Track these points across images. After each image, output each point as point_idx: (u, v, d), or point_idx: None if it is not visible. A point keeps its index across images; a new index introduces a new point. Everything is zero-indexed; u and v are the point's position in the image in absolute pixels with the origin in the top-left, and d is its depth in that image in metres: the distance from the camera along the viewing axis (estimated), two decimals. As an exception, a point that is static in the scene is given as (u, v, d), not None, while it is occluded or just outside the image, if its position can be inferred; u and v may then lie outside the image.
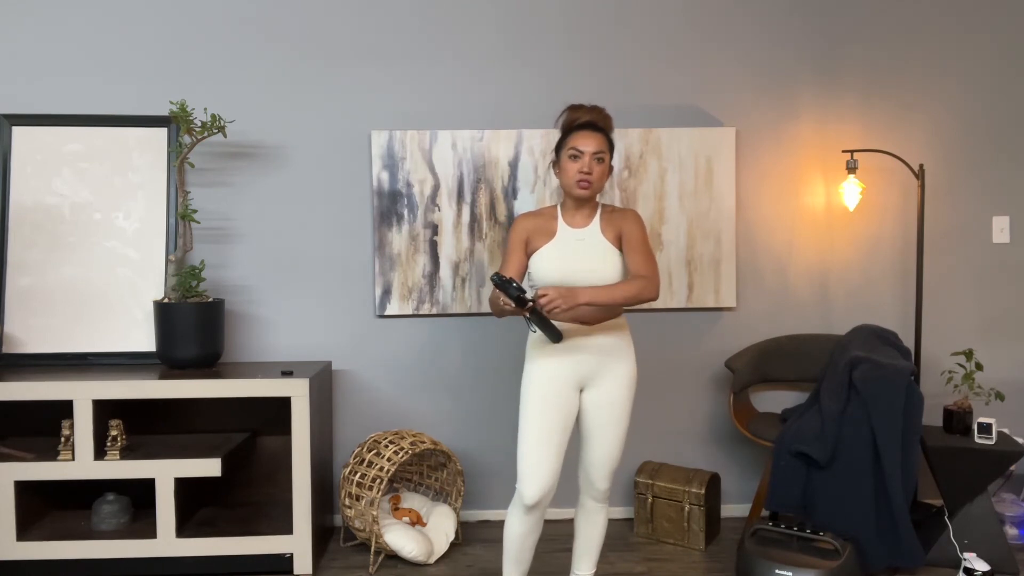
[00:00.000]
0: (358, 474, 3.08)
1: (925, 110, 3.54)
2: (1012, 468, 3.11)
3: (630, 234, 2.42)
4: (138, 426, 3.27)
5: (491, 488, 3.53)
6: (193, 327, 3.05)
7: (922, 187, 3.37)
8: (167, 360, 3.09)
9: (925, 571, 2.98)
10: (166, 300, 3.08)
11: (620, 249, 2.44)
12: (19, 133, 3.30)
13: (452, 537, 3.20)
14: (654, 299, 2.37)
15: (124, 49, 3.35)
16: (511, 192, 3.43)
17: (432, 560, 3.11)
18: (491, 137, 3.41)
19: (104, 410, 2.95)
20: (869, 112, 3.53)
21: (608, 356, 2.44)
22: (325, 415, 3.29)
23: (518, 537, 2.45)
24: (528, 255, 2.48)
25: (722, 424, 3.58)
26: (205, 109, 3.35)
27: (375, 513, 2.99)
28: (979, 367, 3.14)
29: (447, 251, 3.43)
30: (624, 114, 3.45)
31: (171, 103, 3.17)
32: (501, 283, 2.15)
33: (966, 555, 2.85)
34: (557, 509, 3.47)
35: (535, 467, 2.37)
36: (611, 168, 2.46)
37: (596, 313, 2.40)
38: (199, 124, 3.10)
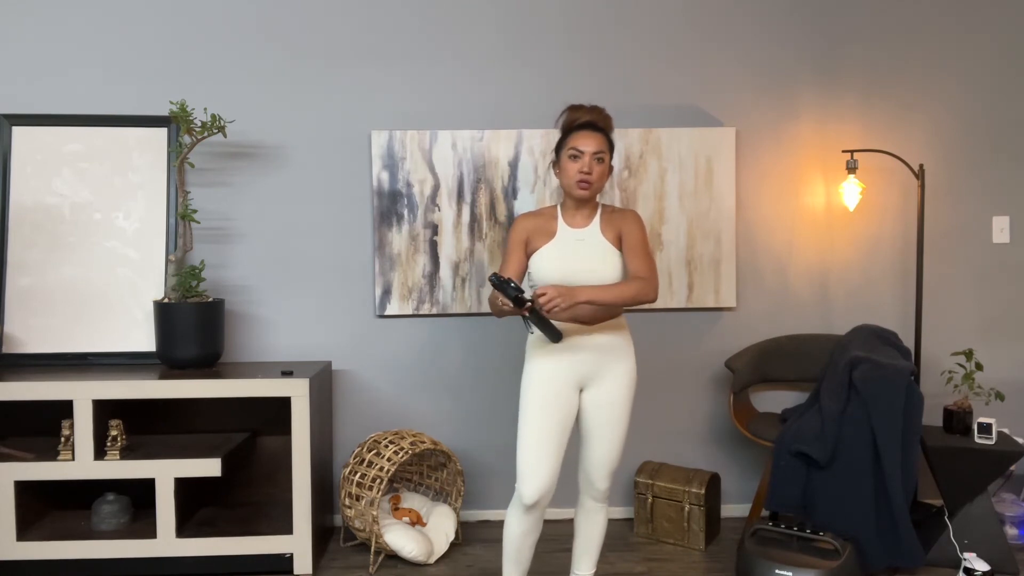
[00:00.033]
0: (358, 474, 3.08)
1: (925, 110, 3.54)
2: (1012, 468, 3.11)
3: (630, 235, 2.42)
4: (138, 426, 3.27)
5: (491, 488, 3.53)
6: (193, 327, 3.05)
7: (922, 187, 3.37)
8: (167, 360, 3.09)
9: (925, 571, 2.98)
10: (166, 300, 3.08)
11: (620, 249, 2.44)
12: (19, 133, 3.30)
13: (452, 537, 3.20)
14: (652, 301, 2.37)
15: (124, 49, 3.35)
16: (511, 192, 3.43)
17: (432, 560, 3.11)
18: (491, 137, 3.41)
19: (104, 410, 2.95)
20: (869, 112, 3.53)
21: (608, 356, 2.44)
22: (325, 415, 3.29)
23: (517, 537, 2.45)
24: (528, 255, 2.48)
25: (722, 424, 3.58)
26: (205, 109, 3.35)
27: (375, 513, 2.99)
28: (979, 367, 3.14)
29: (447, 251, 3.43)
30: (624, 114, 3.45)
31: (171, 103, 3.17)
32: (499, 283, 2.15)
33: (966, 555, 2.85)
34: (557, 509, 3.47)
35: (534, 467, 2.37)
36: (611, 168, 2.46)
37: (595, 313, 2.40)
38: (199, 124, 3.10)
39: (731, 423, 3.56)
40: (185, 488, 3.02)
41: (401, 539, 3.05)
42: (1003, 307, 3.59)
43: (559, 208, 2.50)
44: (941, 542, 2.99)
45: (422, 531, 3.17)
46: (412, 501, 3.36)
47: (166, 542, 2.92)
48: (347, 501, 3.11)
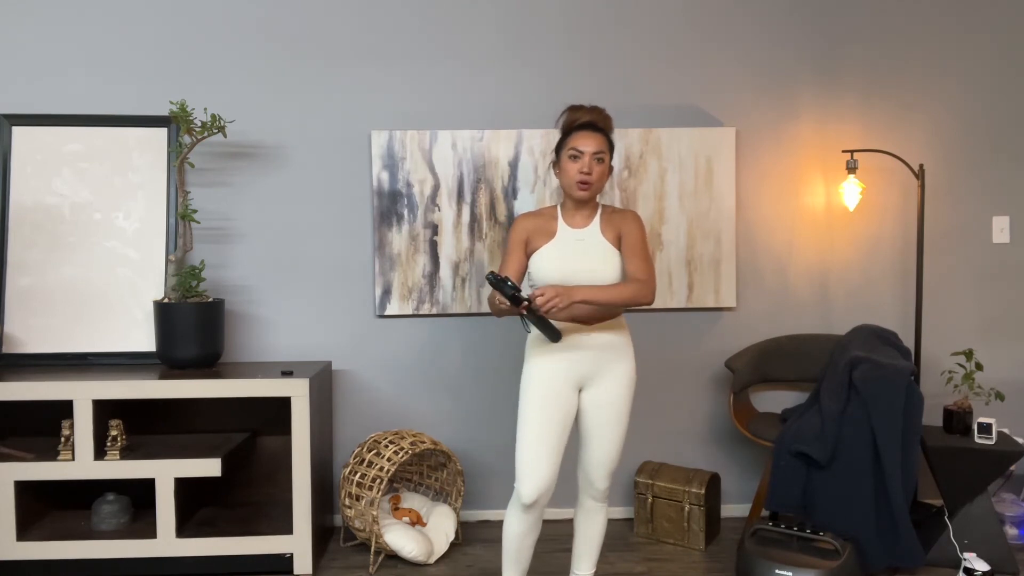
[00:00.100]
0: (358, 474, 3.08)
1: (925, 110, 3.54)
2: (1012, 468, 3.11)
3: (629, 236, 2.42)
4: (138, 426, 3.27)
5: (491, 488, 3.53)
6: (193, 327, 3.05)
7: (922, 187, 3.37)
8: (167, 360, 3.09)
9: (925, 571, 2.98)
10: (166, 300, 3.08)
11: (620, 250, 2.44)
12: (19, 133, 3.30)
13: (452, 537, 3.20)
14: (649, 303, 2.37)
15: (124, 49, 3.35)
16: (511, 192, 3.43)
17: (432, 560, 3.11)
18: (491, 137, 3.41)
19: (104, 410, 2.95)
20: (869, 112, 3.53)
21: (607, 355, 2.44)
22: (325, 415, 3.29)
23: (517, 536, 2.45)
24: (528, 255, 2.48)
25: (722, 424, 3.58)
26: (205, 109, 3.35)
27: (375, 513, 2.99)
28: (979, 367, 3.14)
29: (447, 251, 3.43)
30: (624, 114, 3.45)
31: (171, 103, 3.17)
32: (496, 282, 2.16)
33: (966, 555, 2.85)
34: (557, 509, 3.47)
35: (533, 466, 2.37)
36: (611, 168, 2.46)
37: (593, 313, 2.40)
38: (199, 124, 3.10)
39: (731, 423, 3.56)
40: (185, 488, 3.02)
41: (401, 539, 3.05)
42: (1003, 307, 3.59)
43: (559, 208, 2.50)
44: (941, 542, 2.99)
45: (422, 531, 3.17)
46: (412, 501, 3.36)
47: (166, 542, 2.92)
48: (347, 501, 3.11)
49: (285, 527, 3.02)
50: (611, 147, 2.44)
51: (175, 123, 3.21)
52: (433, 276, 3.43)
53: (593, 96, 3.41)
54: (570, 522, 3.36)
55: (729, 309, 3.55)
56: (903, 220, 3.56)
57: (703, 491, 3.20)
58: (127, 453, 2.98)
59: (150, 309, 3.28)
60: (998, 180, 3.56)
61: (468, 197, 3.42)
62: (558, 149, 2.47)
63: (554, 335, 2.31)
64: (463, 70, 3.44)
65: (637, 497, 3.37)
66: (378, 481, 3.01)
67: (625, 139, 3.43)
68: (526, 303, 2.18)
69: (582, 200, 2.43)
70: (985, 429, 3.00)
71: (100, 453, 2.92)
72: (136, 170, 3.34)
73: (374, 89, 3.42)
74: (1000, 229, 3.56)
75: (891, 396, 2.86)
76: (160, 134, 3.35)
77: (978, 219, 3.57)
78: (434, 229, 3.42)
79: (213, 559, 2.94)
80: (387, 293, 3.43)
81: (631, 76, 3.47)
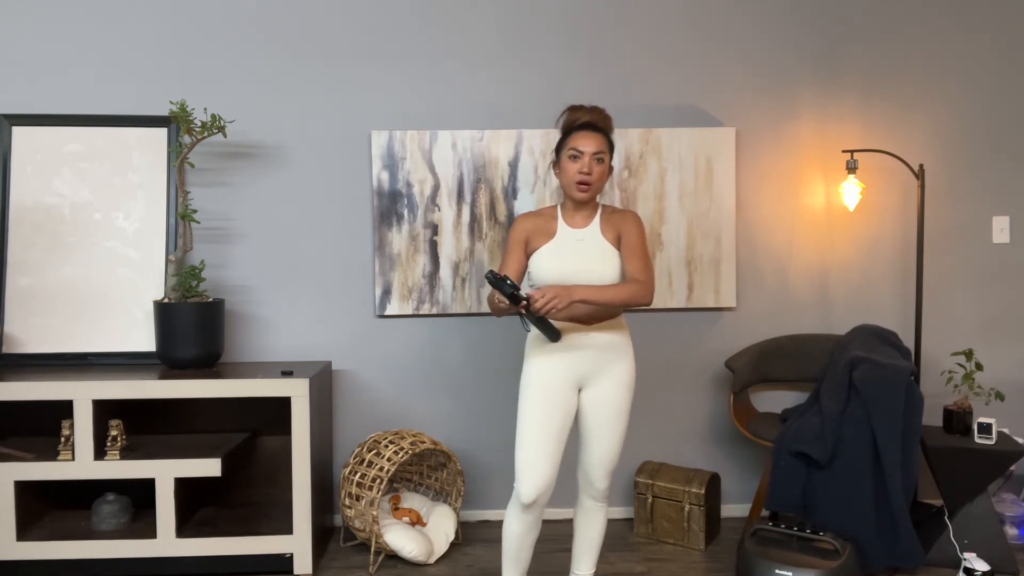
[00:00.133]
0: (358, 474, 3.08)
1: (925, 110, 3.54)
2: (1012, 468, 3.11)
3: (629, 236, 2.42)
4: (138, 426, 3.27)
5: (491, 488, 3.53)
6: (193, 327, 3.05)
7: (922, 187, 3.37)
8: (167, 360, 3.09)
9: (925, 571, 2.98)
10: (166, 300, 3.08)
11: (620, 250, 2.44)
12: (19, 133, 3.30)
13: (452, 537, 3.20)
14: (648, 304, 2.37)
15: (124, 49, 3.35)
16: (511, 192, 3.43)
17: (432, 560, 3.11)
18: (491, 137, 3.41)
19: (104, 410, 2.95)
20: (869, 112, 3.53)
21: (606, 355, 2.44)
22: (325, 415, 3.29)
23: (516, 536, 2.45)
24: (528, 255, 2.48)
25: (722, 424, 3.58)
26: (205, 109, 3.35)
27: (375, 513, 2.99)
28: (979, 367, 3.14)
29: (447, 251, 3.43)
30: (624, 114, 3.45)
31: (171, 103, 3.17)
32: (495, 280, 2.16)
33: (966, 555, 2.85)
34: (556, 509, 3.47)
35: (532, 466, 2.37)
36: (611, 168, 2.46)
37: (592, 312, 2.40)
38: (199, 124, 3.10)
39: (731, 423, 3.56)
40: (185, 488, 3.02)
41: (401, 539, 3.05)
42: (1003, 307, 3.59)
43: (559, 208, 2.50)
44: (941, 542, 2.99)
45: (422, 531, 3.17)
46: (412, 501, 3.36)
47: (166, 542, 2.92)
48: (347, 501, 3.11)
49: (285, 527, 3.02)
50: (611, 147, 2.44)
51: (175, 123, 3.21)
52: (433, 276, 3.43)
53: (593, 96, 3.41)
54: (570, 522, 3.36)
55: (729, 309, 3.55)
56: (903, 220, 3.56)
57: (703, 491, 3.20)
58: (127, 453, 2.98)
59: (150, 309, 3.28)
60: (998, 180, 3.56)
61: (468, 197, 3.42)
62: (558, 149, 2.47)
63: (553, 335, 2.31)
64: (463, 70, 3.44)
65: (637, 497, 3.37)
66: (378, 481, 3.01)
67: (625, 139, 3.43)
68: (525, 302, 2.19)
69: (582, 200, 2.43)
70: (985, 429, 3.00)
71: (100, 453, 2.92)
72: (136, 170, 3.34)
73: (374, 89, 3.42)
74: (1000, 229, 3.56)
75: (891, 396, 2.86)
76: (160, 134, 3.35)
77: (978, 219, 3.57)
78: (434, 229, 3.42)
79: (213, 559, 2.94)
80: (387, 293, 3.43)
81: (631, 76, 3.47)
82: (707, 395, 3.57)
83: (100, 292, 3.28)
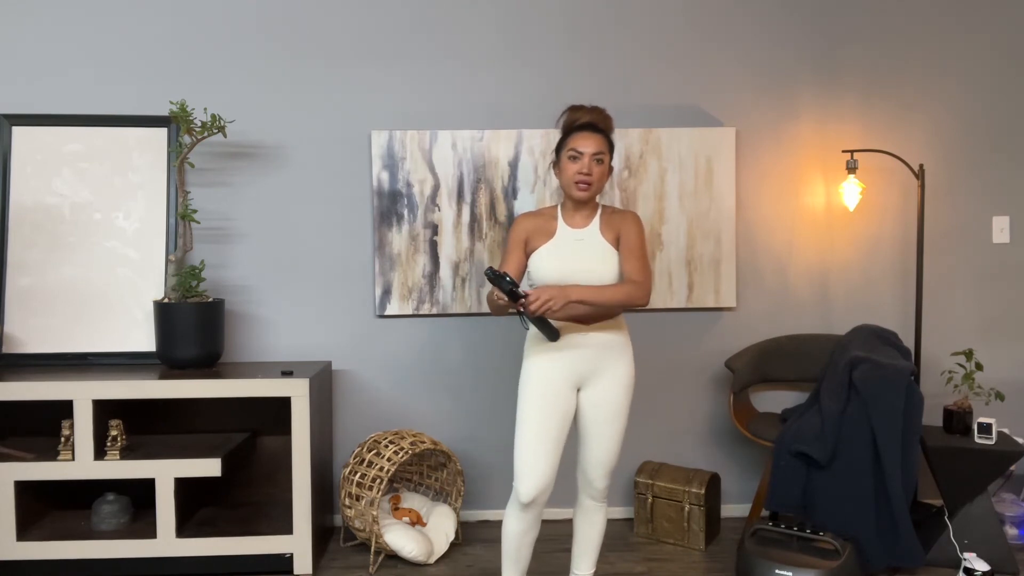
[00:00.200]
0: (358, 474, 3.08)
1: (925, 110, 3.54)
2: (1012, 468, 3.11)
3: (628, 237, 2.42)
4: (138, 426, 3.27)
5: (491, 488, 3.53)
6: (193, 327, 3.05)
7: (922, 187, 3.37)
8: (167, 360, 3.09)
9: (925, 571, 2.98)
10: (166, 300, 3.08)
11: (619, 250, 2.44)
12: (19, 133, 3.30)
13: (452, 537, 3.20)
14: (644, 305, 2.37)
15: (124, 49, 3.35)
16: (511, 192, 3.43)
17: (432, 560, 3.11)
18: (491, 137, 3.41)
19: (104, 410, 2.95)
20: (869, 112, 3.53)
21: (605, 355, 2.44)
22: (325, 415, 3.29)
23: (516, 536, 2.45)
24: (527, 255, 2.48)
25: (722, 424, 3.58)
26: (205, 109, 3.35)
27: (375, 513, 2.99)
28: (979, 367, 3.14)
29: (447, 251, 3.43)
30: (624, 114, 3.45)
31: (171, 103, 3.17)
32: (494, 277, 2.16)
33: (966, 555, 2.85)
34: (556, 509, 3.47)
35: (531, 465, 2.37)
36: (611, 169, 2.46)
37: (591, 312, 2.40)
38: (199, 124, 3.10)
39: (731, 423, 3.56)
40: (185, 488, 3.02)
41: (401, 539, 3.05)
42: (1003, 307, 3.59)
43: (559, 208, 2.50)
44: (941, 542, 2.99)
45: (422, 531, 3.17)
46: (412, 501, 3.36)
47: (166, 542, 2.92)
48: (347, 501, 3.11)
49: (285, 527, 3.02)
50: (611, 147, 2.44)
51: (175, 123, 3.21)
52: (433, 276, 3.43)
53: (593, 96, 3.41)
54: (570, 522, 3.36)
55: (729, 309, 3.55)
56: (903, 220, 3.56)
57: (703, 491, 3.20)
58: (127, 453, 2.98)
59: (150, 309, 3.28)
60: (998, 180, 3.56)
61: (468, 197, 3.42)
62: (558, 149, 2.47)
63: (552, 334, 2.31)
64: (463, 70, 3.44)
65: (637, 497, 3.37)
66: (378, 481, 3.01)
67: (625, 139, 3.43)
68: (522, 299, 2.19)
69: (581, 200, 2.43)
70: (985, 429, 3.00)
71: (100, 453, 2.92)
72: (136, 170, 3.34)
73: (374, 89, 3.42)
74: (1000, 229, 3.56)
75: (891, 396, 2.86)
76: (160, 134, 3.35)
77: (978, 219, 3.57)
78: (434, 229, 3.42)
79: (213, 559, 2.94)
80: (387, 293, 3.43)
81: (631, 76, 3.47)
82: (707, 395, 3.57)
83: (100, 292, 3.28)
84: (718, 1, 3.48)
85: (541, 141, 3.42)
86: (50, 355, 3.24)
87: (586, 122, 2.43)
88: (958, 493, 2.99)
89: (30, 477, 2.88)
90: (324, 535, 3.25)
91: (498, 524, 3.46)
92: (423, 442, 3.15)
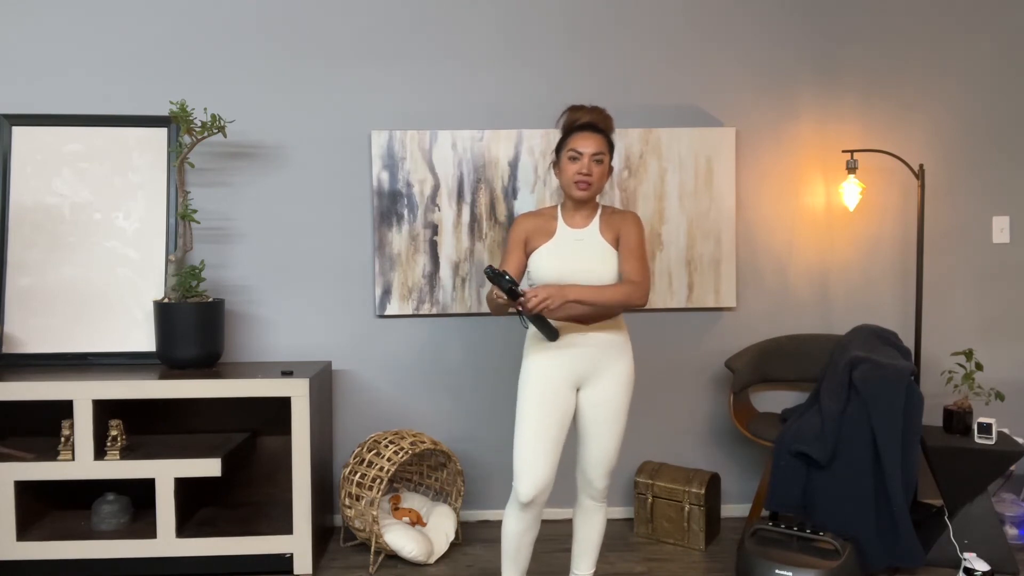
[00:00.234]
0: (358, 474, 3.08)
1: (925, 110, 3.54)
2: (1012, 468, 3.11)
3: (627, 238, 2.42)
4: (138, 426, 3.27)
5: (491, 488, 3.53)
6: (193, 327, 3.05)
7: (922, 187, 3.37)
8: (167, 360, 3.09)
9: (925, 571, 2.98)
10: (166, 300, 3.08)
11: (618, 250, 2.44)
12: (19, 133, 3.30)
13: (452, 537, 3.20)
14: (642, 305, 2.37)
15: (124, 49, 3.35)
16: (511, 192, 3.43)
17: (432, 560, 3.11)
18: (491, 137, 3.41)
19: (104, 410, 2.95)
20: (869, 112, 3.53)
21: (605, 354, 2.44)
22: (325, 415, 3.29)
23: (515, 535, 2.45)
24: (527, 254, 2.48)
25: (722, 424, 3.58)
26: (205, 109, 3.35)
27: (375, 513, 2.99)
28: (979, 367, 3.14)
29: (447, 251, 3.43)
30: (624, 114, 3.45)
31: (171, 103, 3.17)
32: (493, 275, 2.16)
33: (966, 555, 2.85)
34: (556, 509, 3.47)
35: (530, 465, 2.37)
36: (611, 169, 2.46)
37: (590, 312, 2.40)
38: (199, 124, 3.10)
39: (731, 423, 3.56)
40: (185, 488, 3.02)
41: (401, 539, 3.05)
42: (1003, 307, 3.59)
43: (559, 208, 2.51)
44: (941, 542, 2.99)
45: (422, 531, 3.17)
46: (412, 501, 3.36)
47: (166, 542, 2.92)
48: (347, 501, 3.11)
49: (285, 527, 3.02)
50: (611, 148, 2.44)
51: (175, 123, 3.21)
52: (433, 276, 3.43)
53: (593, 96, 3.41)
54: (570, 522, 3.36)
55: (729, 309, 3.55)
56: (903, 220, 3.56)
57: (703, 491, 3.20)
58: (127, 453, 2.98)
59: (150, 309, 3.28)
60: (998, 180, 3.56)
61: (468, 197, 3.42)
62: (558, 149, 2.47)
63: (551, 333, 2.32)
64: (463, 70, 3.44)
65: (637, 497, 3.37)
66: (378, 481, 3.01)
67: (625, 139, 3.43)
68: (521, 298, 2.19)
69: (581, 200, 2.43)
70: (985, 429, 3.00)
71: (100, 453, 2.92)
72: (136, 170, 3.34)
73: (374, 89, 3.42)
74: (1000, 229, 3.56)
75: (891, 396, 2.86)
76: (160, 134, 3.35)
77: (978, 219, 3.57)
78: (434, 229, 3.42)
79: (213, 559, 2.94)
80: (387, 293, 3.43)
81: (631, 76, 3.47)
82: (707, 395, 3.57)
83: (100, 292, 3.28)
84: (718, 1, 3.48)
85: (541, 141, 3.42)
86: (50, 355, 3.24)
87: (586, 122, 2.43)
88: (958, 493, 2.99)
89: (30, 477, 2.88)
90: (324, 535, 3.25)
91: (498, 524, 3.46)
92: (423, 442, 3.15)
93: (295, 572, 2.97)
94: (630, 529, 3.44)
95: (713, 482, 3.28)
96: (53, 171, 3.30)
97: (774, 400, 3.58)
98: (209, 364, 3.15)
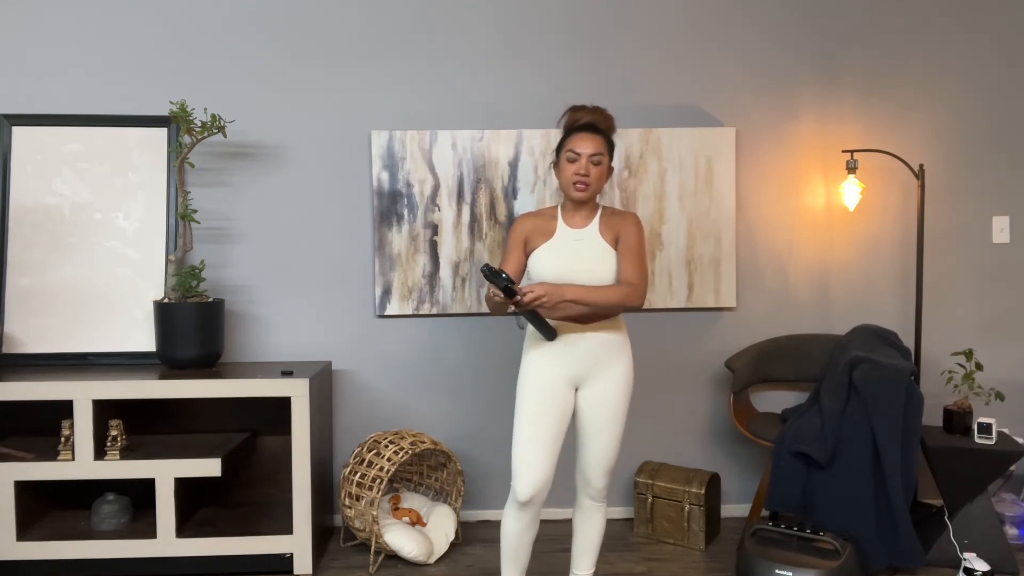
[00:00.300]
0: (358, 474, 3.08)
1: (925, 110, 3.54)
2: (1012, 468, 3.10)
3: (627, 239, 2.42)
4: (138, 426, 3.27)
5: (491, 488, 3.53)
6: (193, 327, 3.05)
7: (922, 187, 3.37)
8: (167, 360, 3.09)
9: (925, 571, 2.98)
10: (166, 300, 3.08)
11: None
12: (19, 133, 3.30)
13: (452, 537, 3.20)
14: (638, 307, 2.37)
15: (124, 49, 3.35)
16: (511, 192, 3.43)
17: (432, 560, 3.11)
18: (491, 137, 3.41)
19: (104, 410, 2.95)
20: (869, 112, 3.53)
21: (603, 355, 2.43)
22: (325, 415, 3.29)
23: (514, 535, 2.45)
24: (527, 254, 2.48)
25: (722, 424, 3.58)
26: (205, 109, 3.35)
27: (375, 513, 2.99)
28: (979, 367, 3.14)
29: (447, 251, 3.43)
30: (624, 114, 3.45)
31: (171, 103, 3.17)
32: (490, 273, 2.16)
33: (966, 555, 2.85)
34: (556, 509, 3.47)
35: (528, 464, 2.37)
36: (611, 169, 2.46)
37: (588, 312, 2.39)
38: (199, 124, 3.10)
39: (731, 423, 3.56)
40: (185, 488, 3.02)
41: (401, 539, 3.05)
42: (1003, 307, 3.59)
43: (559, 208, 2.51)
44: (941, 542, 2.99)
45: (422, 531, 3.17)
46: (412, 501, 3.36)
47: (166, 542, 2.92)
48: (347, 501, 3.11)
49: (285, 527, 3.02)
50: (611, 148, 2.43)
51: (175, 123, 3.21)
52: (433, 276, 3.43)
53: (593, 96, 3.41)
54: (569, 522, 3.35)
55: (729, 309, 3.55)
56: (903, 220, 3.56)
57: (703, 491, 3.20)
58: (127, 453, 2.98)
59: (150, 309, 3.28)
60: (998, 180, 3.56)
61: (468, 197, 3.42)
62: (558, 150, 2.47)
63: (549, 333, 2.32)
64: (463, 70, 3.44)
65: (637, 497, 3.37)
66: (378, 481, 3.01)
67: (625, 139, 3.43)
68: (518, 297, 2.19)
69: (579, 200, 2.43)
70: (985, 429, 3.00)
71: (100, 453, 2.92)
72: (136, 170, 3.34)
73: (374, 89, 3.42)
74: (1000, 229, 3.56)
75: (891, 396, 2.86)
76: (160, 134, 3.35)
77: (978, 219, 3.57)
78: (434, 229, 3.42)
79: (213, 559, 2.94)
80: (387, 293, 3.43)
81: (631, 76, 3.47)
82: (707, 395, 3.57)
83: (100, 292, 3.28)
84: (718, 1, 3.48)
85: (541, 141, 3.42)
86: (50, 355, 3.24)
87: (586, 123, 2.43)
88: (958, 493, 2.99)
89: (30, 477, 2.88)
90: (324, 535, 3.25)
91: (498, 524, 3.44)
92: (423, 442, 3.15)
93: (295, 572, 2.97)
94: (630, 529, 3.44)
95: (713, 482, 3.28)
96: (53, 171, 3.30)
97: (774, 400, 3.58)
98: (209, 364, 3.15)
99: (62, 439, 2.92)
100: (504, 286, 2.17)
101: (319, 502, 3.13)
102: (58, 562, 2.91)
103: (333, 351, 3.46)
